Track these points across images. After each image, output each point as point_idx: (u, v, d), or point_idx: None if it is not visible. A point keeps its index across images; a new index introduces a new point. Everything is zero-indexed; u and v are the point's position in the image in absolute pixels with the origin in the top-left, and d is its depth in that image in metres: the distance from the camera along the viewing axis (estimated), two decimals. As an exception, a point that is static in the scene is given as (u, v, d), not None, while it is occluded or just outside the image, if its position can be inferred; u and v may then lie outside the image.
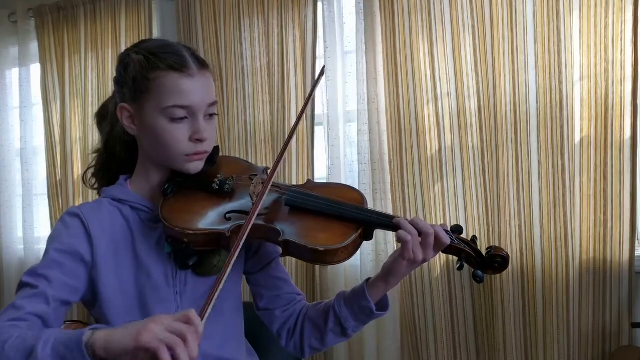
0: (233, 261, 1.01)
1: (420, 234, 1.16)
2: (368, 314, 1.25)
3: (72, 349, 0.93)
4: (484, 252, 1.22)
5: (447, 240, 1.17)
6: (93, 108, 3.22)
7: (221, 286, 0.97)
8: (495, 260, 1.21)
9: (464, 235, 1.24)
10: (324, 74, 1.40)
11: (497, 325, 2.36)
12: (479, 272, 1.20)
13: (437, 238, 1.16)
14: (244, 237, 1.06)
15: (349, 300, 1.26)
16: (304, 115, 2.67)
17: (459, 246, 1.20)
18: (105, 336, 0.93)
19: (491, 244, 2.35)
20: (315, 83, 1.37)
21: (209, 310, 0.94)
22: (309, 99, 1.39)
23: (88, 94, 3.24)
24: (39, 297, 1.11)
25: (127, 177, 1.30)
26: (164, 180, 1.25)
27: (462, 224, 2.42)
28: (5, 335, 1.01)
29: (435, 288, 2.48)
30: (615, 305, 2.21)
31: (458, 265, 1.21)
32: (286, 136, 2.72)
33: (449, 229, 1.22)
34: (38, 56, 3.40)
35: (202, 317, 0.92)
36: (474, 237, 1.24)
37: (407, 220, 1.18)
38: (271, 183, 1.19)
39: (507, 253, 1.21)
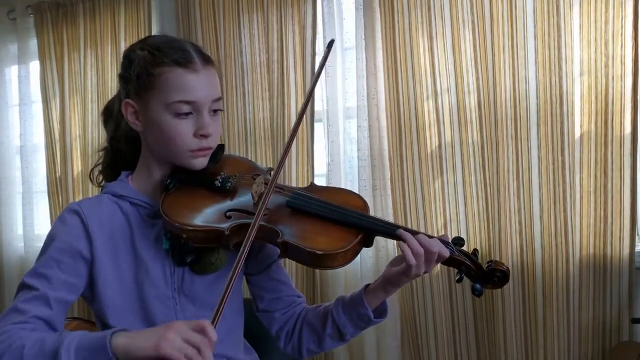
0: (241, 264, 1.03)
1: (425, 252, 1.15)
2: (366, 321, 1.25)
3: (97, 353, 0.99)
4: (484, 265, 1.21)
5: (446, 254, 1.17)
6: (92, 105, 3.22)
7: (229, 292, 1.00)
8: (495, 275, 1.20)
9: (465, 248, 1.23)
10: (331, 48, 1.38)
11: (497, 322, 2.36)
12: (478, 286, 1.19)
13: (439, 255, 1.16)
14: (251, 238, 1.06)
15: (347, 307, 1.27)
16: (304, 111, 2.66)
17: (459, 258, 1.19)
18: (126, 342, 0.99)
19: (491, 246, 2.36)
20: (323, 59, 1.33)
21: (220, 317, 0.99)
22: (317, 78, 1.33)
23: (87, 91, 3.23)
24: (40, 300, 1.13)
25: (128, 173, 1.30)
26: (166, 176, 1.25)
27: (462, 220, 2.42)
28: (19, 341, 1.04)
29: (435, 285, 2.48)
30: (615, 300, 2.21)
31: (457, 278, 1.20)
32: (286, 133, 2.72)
33: (449, 240, 1.21)
34: (37, 53, 3.39)
35: (214, 325, 0.97)
36: (475, 250, 1.23)
37: (412, 236, 1.16)
38: (274, 184, 1.18)
39: (507, 268, 1.21)
